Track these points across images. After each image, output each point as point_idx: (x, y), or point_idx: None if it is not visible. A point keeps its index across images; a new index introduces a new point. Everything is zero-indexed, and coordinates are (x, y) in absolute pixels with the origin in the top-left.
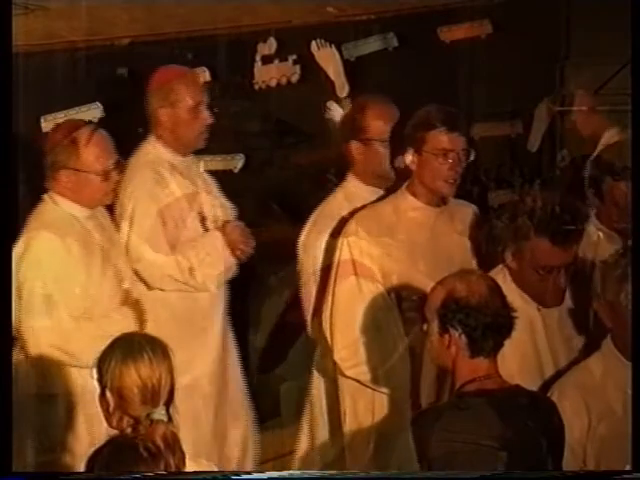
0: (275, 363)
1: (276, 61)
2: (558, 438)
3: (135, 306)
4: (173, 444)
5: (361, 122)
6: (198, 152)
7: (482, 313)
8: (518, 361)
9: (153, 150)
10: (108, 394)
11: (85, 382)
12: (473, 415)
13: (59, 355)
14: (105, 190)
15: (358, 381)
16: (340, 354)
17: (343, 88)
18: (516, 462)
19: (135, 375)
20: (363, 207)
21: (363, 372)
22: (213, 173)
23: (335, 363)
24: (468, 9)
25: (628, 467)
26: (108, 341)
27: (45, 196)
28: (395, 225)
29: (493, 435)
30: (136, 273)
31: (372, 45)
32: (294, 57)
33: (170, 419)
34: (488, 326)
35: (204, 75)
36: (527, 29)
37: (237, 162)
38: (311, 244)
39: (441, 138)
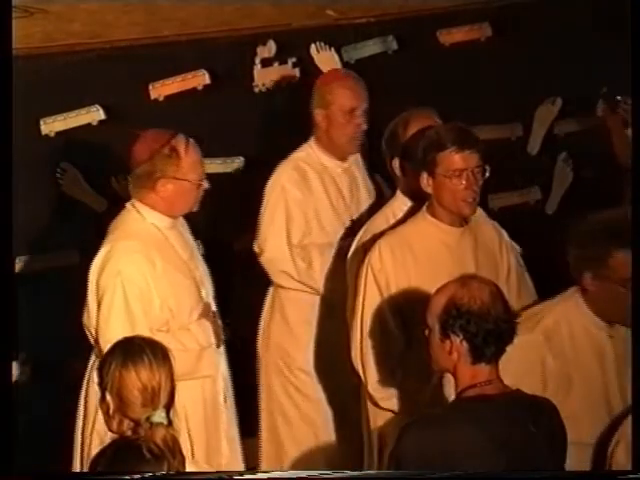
0: None
1: (276, 64)
2: (560, 442)
3: (214, 319)
4: (173, 447)
5: (402, 137)
6: None
7: (483, 319)
8: (585, 394)
9: (308, 150)
10: (108, 397)
11: None
12: (474, 419)
13: None
14: (196, 198)
15: (393, 411)
16: (373, 386)
17: None
18: (518, 467)
19: (135, 378)
20: (383, 233)
21: (397, 403)
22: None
23: (369, 394)
24: (468, 12)
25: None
26: (185, 355)
27: (128, 205)
28: (419, 248)
29: (494, 439)
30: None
31: (371, 48)
32: (294, 60)
33: (170, 422)
34: (489, 332)
35: (204, 78)
36: (527, 31)
37: (237, 165)
38: (358, 255)
39: (453, 158)
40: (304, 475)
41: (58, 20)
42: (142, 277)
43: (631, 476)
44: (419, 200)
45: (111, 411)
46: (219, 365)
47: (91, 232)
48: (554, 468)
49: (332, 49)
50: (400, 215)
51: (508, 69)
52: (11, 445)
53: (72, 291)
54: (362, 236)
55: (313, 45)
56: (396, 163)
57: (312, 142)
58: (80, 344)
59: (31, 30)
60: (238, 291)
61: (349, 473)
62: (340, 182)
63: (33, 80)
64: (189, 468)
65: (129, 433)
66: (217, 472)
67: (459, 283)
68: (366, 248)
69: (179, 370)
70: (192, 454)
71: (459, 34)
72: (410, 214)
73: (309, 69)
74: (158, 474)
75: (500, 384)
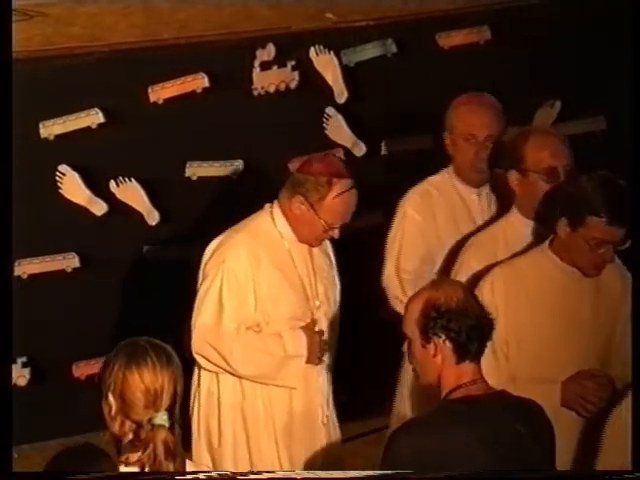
0: None
1: (275, 67)
2: (549, 442)
3: (315, 336)
4: (174, 449)
5: (521, 151)
6: (196, 158)
7: (464, 315)
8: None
9: (444, 174)
10: (111, 398)
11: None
12: (462, 421)
13: (211, 354)
14: (318, 239)
15: None
16: None
17: (342, 94)
18: (509, 467)
19: (139, 380)
20: (498, 263)
21: None
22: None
23: None
24: (467, 15)
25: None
26: (266, 357)
27: (267, 205)
28: (535, 286)
29: (483, 440)
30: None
31: (371, 51)
32: (293, 63)
33: (172, 425)
34: (472, 328)
35: (203, 81)
36: (526, 35)
37: (236, 168)
38: (462, 272)
39: (603, 228)
40: (304, 475)
41: (57, 23)
42: (244, 273)
43: (631, 476)
44: (537, 220)
45: (113, 412)
46: (311, 381)
47: (90, 235)
48: (545, 468)
49: (331, 52)
50: (511, 233)
51: (507, 72)
52: (11, 445)
53: (72, 294)
54: (465, 251)
55: (312, 48)
56: (513, 177)
57: (451, 166)
58: (80, 347)
59: (31, 33)
60: None
61: (349, 473)
62: (473, 208)
63: (32, 83)
64: (189, 468)
65: (130, 435)
66: (218, 472)
67: (431, 286)
68: (470, 265)
69: (255, 371)
70: (279, 462)
71: (458, 37)
72: (522, 236)
73: (308, 72)
74: (161, 474)
75: (484, 384)
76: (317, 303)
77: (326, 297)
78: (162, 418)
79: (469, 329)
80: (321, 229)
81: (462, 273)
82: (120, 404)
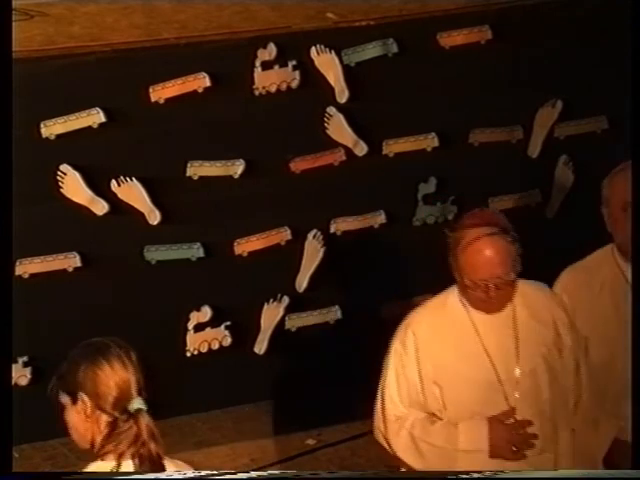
0: None
1: (276, 67)
2: None
3: (501, 428)
4: (155, 431)
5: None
6: (197, 158)
7: None
8: None
9: (607, 249)
10: (85, 397)
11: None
12: None
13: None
14: (481, 296)
15: None
16: None
17: (343, 94)
18: None
19: (110, 371)
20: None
21: None
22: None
23: None
24: (468, 15)
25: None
26: (434, 450)
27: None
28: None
29: None
30: None
31: (372, 51)
32: (294, 63)
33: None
34: None
35: (204, 80)
36: (527, 34)
37: (237, 168)
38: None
39: None
40: (304, 475)
41: (58, 23)
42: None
43: (631, 476)
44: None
45: (89, 410)
46: None
47: (91, 235)
48: None
49: (332, 52)
50: (614, 279)
51: (508, 72)
52: (11, 445)
53: (73, 294)
54: (568, 278)
55: (313, 48)
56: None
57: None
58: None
59: (31, 33)
60: (237, 293)
61: (349, 473)
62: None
63: (33, 83)
64: (167, 463)
65: (106, 430)
66: (218, 472)
67: None
68: (570, 293)
69: (419, 462)
70: None
71: (459, 37)
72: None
73: (309, 72)
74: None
75: None
76: (516, 395)
77: (533, 378)
78: (140, 402)
79: None
80: (469, 290)
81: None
82: (96, 400)
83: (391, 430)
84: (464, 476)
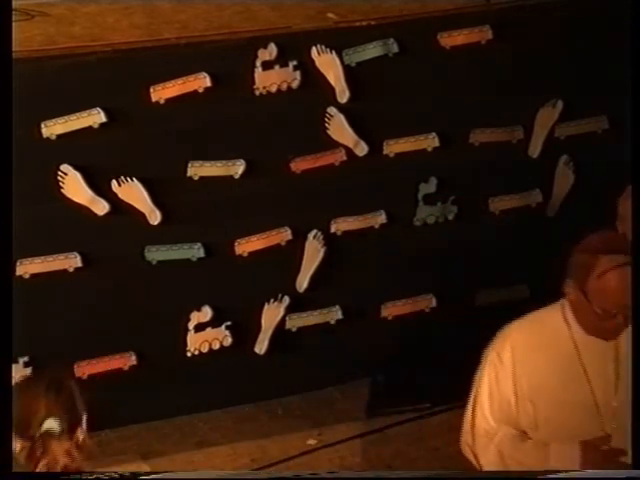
0: None
1: (276, 67)
2: None
3: (596, 454)
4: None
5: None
6: (198, 158)
7: None
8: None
9: None
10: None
11: None
12: None
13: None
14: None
15: None
16: None
17: (344, 94)
18: None
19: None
20: None
21: None
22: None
23: None
24: (468, 15)
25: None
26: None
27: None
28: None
29: None
30: None
31: (372, 51)
32: (294, 63)
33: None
34: None
35: (205, 80)
36: (528, 34)
37: (237, 168)
38: None
39: None
40: (304, 475)
41: (59, 23)
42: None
43: (631, 475)
44: None
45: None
46: None
47: (92, 235)
48: None
49: (333, 52)
50: None
51: (509, 72)
52: (10, 445)
53: (73, 294)
54: None
55: (314, 48)
56: None
57: None
58: (82, 346)
59: (31, 33)
60: (238, 293)
61: (349, 473)
62: None
63: (34, 83)
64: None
65: (23, 456)
66: (218, 472)
67: None
68: None
69: None
70: None
71: (460, 37)
72: None
73: (310, 72)
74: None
75: None
76: (613, 425)
77: (627, 412)
78: (50, 423)
79: None
80: (596, 317)
81: None
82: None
83: (479, 444)
84: (465, 476)
